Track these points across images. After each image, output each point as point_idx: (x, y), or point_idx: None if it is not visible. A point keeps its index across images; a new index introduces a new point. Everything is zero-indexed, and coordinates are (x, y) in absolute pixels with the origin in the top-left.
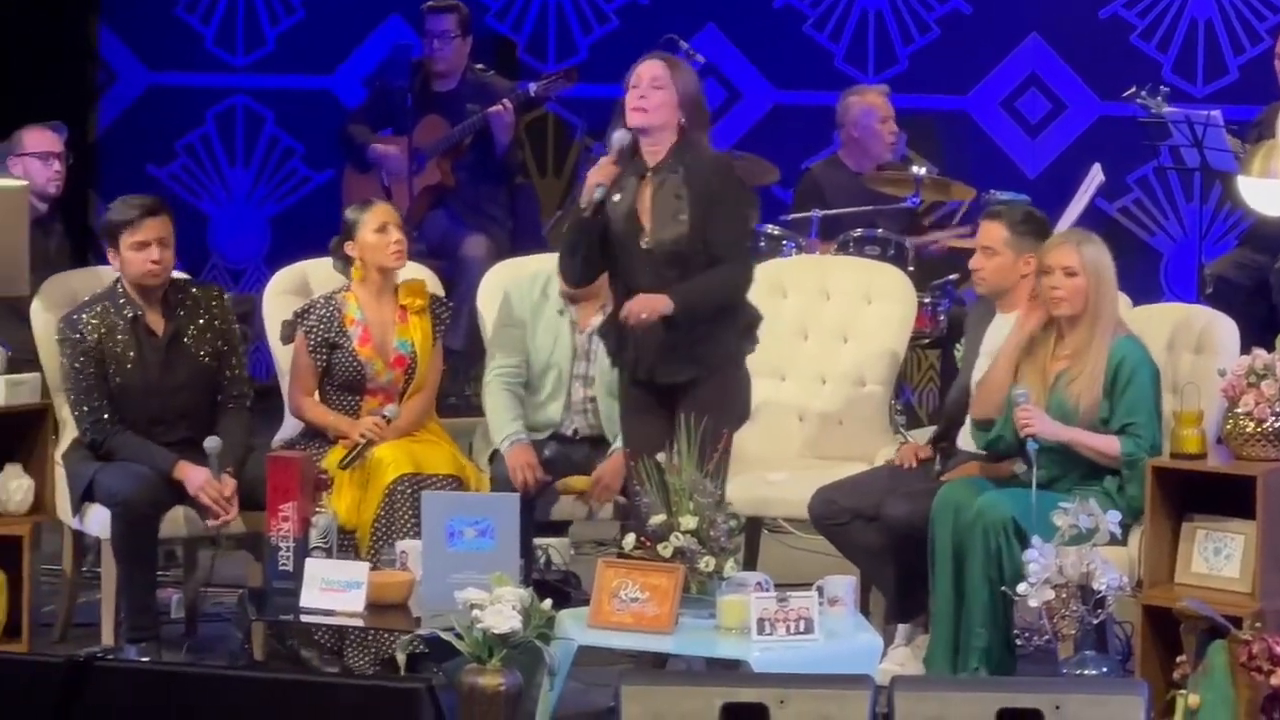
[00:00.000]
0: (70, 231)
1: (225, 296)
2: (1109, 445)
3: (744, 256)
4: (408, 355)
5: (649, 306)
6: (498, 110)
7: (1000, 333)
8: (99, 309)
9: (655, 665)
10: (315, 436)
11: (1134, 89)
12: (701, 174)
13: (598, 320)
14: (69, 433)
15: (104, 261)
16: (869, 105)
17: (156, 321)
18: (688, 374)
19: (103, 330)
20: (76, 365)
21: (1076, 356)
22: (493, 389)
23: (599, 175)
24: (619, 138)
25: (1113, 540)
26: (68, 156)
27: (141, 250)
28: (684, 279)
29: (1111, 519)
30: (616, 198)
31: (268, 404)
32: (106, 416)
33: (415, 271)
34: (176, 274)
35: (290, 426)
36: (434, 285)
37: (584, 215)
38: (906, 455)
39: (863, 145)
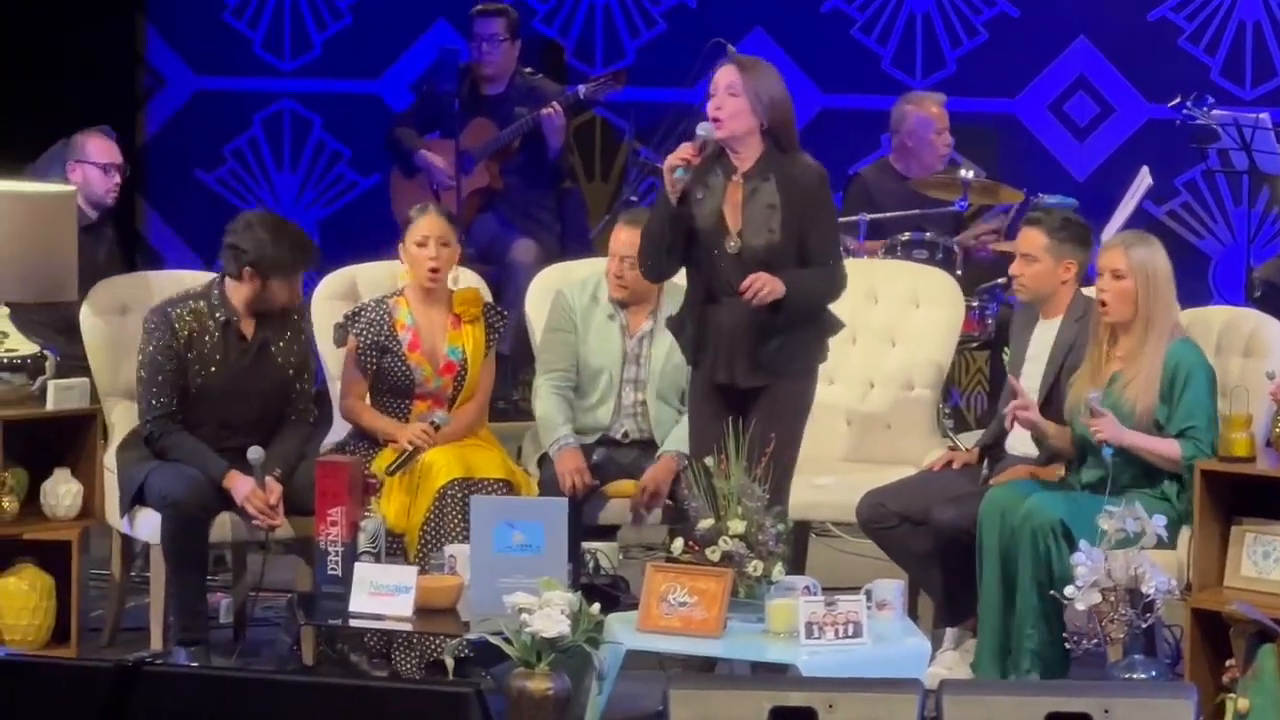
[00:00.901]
0: (118, 238)
1: (308, 311)
2: (1171, 449)
3: (840, 262)
4: (458, 362)
5: (774, 287)
6: (549, 113)
7: (1044, 338)
8: (193, 306)
9: (703, 669)
10: (365, 439)
11: (1179, 98)
12: (798, 185)
13: (648, 325)
14: (118, 437)
15: (151, 267)
16: (927, 116)
17: (248, 327)
18: (768, 378)
19: (194, 327)
20: (159, 357)
21: (1130, 360)
22: (543, 393)
23: (675, 159)
24: (705, 129)
25: (1161, 543)
26: (125, 167)
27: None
28: None
29: (1157, 522)
30: (700, 195)
31: (317, 410)
32: (171, 413)
33: (467, 279)
34: None
35: (340, 429)
36: (483, 291)
37: (672, 207)
38: (939, 463)
39: (916, 154)
